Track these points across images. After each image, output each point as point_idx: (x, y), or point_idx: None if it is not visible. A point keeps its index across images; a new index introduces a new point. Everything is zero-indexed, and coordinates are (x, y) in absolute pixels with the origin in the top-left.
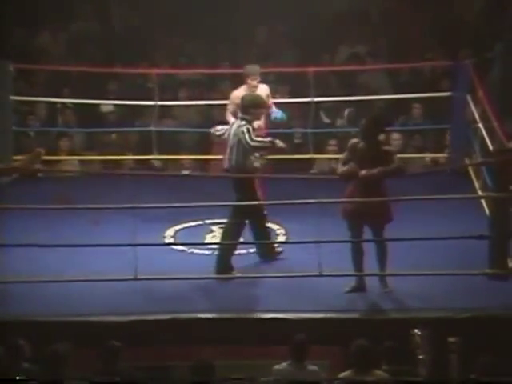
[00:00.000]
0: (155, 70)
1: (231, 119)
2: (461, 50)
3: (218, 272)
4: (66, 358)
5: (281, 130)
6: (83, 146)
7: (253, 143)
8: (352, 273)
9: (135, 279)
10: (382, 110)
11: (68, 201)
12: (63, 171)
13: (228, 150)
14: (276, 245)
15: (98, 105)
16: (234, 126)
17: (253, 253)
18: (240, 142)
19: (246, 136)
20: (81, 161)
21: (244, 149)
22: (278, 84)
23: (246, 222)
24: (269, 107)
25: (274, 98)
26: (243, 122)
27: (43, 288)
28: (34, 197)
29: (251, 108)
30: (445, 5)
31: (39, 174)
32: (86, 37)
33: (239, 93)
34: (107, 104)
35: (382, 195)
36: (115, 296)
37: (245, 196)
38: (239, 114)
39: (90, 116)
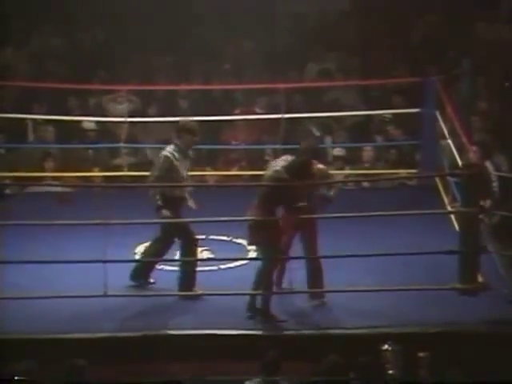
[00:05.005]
0: (127, 87)
1: None
2: (428, 66)
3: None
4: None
5: (253, 146)
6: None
7: None
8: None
9: (105, 296)
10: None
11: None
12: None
13: None
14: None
15: (76, 121)
16: None
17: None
18: None
19: None
20: (56, 178)
21: None
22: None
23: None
24: None
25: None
26: None
27: (10, 305)
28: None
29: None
30: (412, 22)
31: (7, 191)
32: (50, 52)
33: None
34: (89, 120)
35: None
36: (85, 313)
37: None
38: None
39: (66, 132)
